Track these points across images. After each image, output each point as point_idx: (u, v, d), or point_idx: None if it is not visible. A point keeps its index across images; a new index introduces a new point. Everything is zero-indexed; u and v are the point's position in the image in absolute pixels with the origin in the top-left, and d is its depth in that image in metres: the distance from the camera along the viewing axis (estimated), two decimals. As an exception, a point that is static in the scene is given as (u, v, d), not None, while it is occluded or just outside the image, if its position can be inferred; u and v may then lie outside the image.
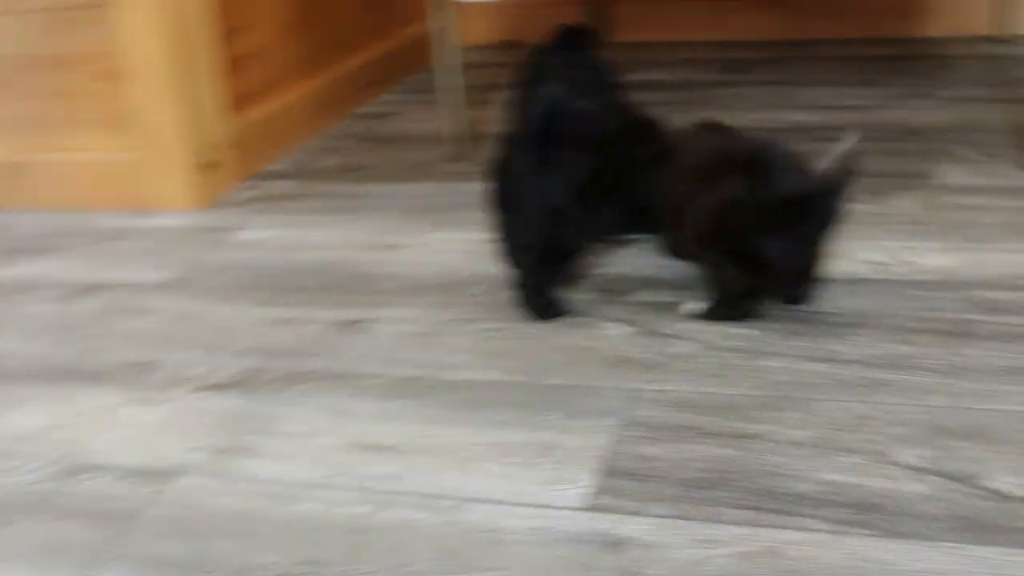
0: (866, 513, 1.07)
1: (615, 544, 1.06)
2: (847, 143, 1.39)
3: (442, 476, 1.19)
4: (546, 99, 1.48)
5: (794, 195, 1.35)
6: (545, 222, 1.46)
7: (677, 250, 1.56)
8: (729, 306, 1.46)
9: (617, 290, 1.58)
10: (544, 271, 1.49)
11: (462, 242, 1.78)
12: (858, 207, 1.74)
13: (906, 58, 2.63)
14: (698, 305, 1.47)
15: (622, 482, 1.15)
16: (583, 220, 1.49)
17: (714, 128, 1.57)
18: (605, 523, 1.09)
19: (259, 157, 2.23)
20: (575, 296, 1.56)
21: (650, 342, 1.43)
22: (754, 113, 2.29)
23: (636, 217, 1.57)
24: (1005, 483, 1.09)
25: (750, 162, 1.39)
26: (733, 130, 1.56)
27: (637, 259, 1.66)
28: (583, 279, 1.61)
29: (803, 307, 1.45)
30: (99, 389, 1.45)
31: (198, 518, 1.16)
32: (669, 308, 1.51)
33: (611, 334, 1.46)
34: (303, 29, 2.41)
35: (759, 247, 1.37)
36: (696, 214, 1.42)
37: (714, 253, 1.43)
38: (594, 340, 1.45)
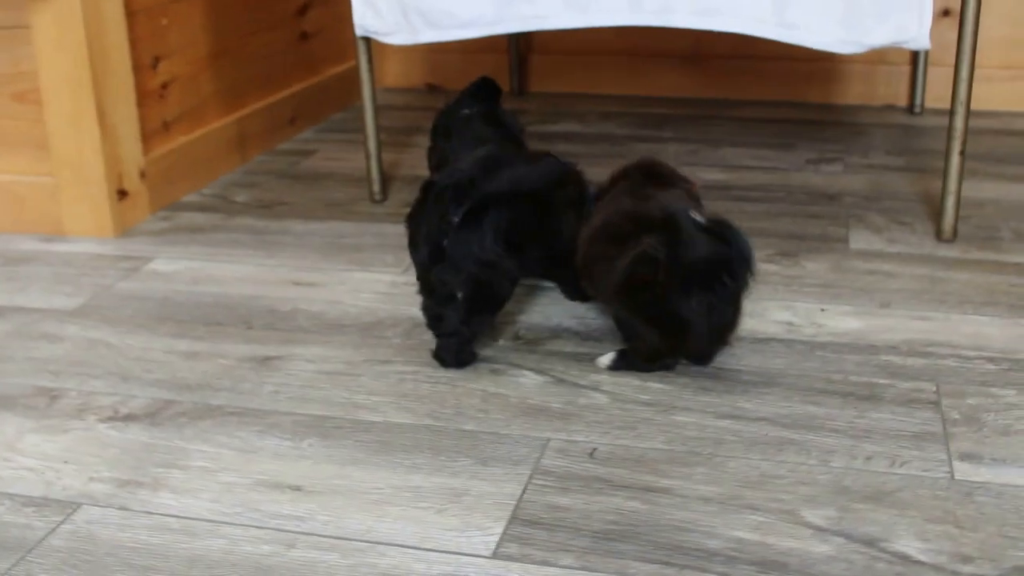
0: (771, 572, 1.08)
1: (522, 593, 1.06)
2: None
3: (351, 518, 1.18)
4: (479, 157, 1.51)
5: (712, 257, 1.37)
6: (474, 273, 1.46)
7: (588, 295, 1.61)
8: (640, 358, 1.47)
9: (530, 339, 1.58)
10: (471, 322, 1.49)
11: (379, 283, 1.78)
12: (770, 268, 1.77)
13: (821, 123, 2.69)
14: (612, 356, 1.48)
15: (531, 531, 1.15)
16: (512, 267, 1.50)
17: (650, 169, 1.58)
18: (513, 572, 1.09)
19: (175, 188, 2.21)
20: (488, 343, 1.57)
21: (561, 391, 1.43)
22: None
23: (555, 263, 1.59)
24: (910, 547, 1.11)
25: (667, 222, 1.40)
26: (664, 171, 1.58)
27: (549, 308, 1.67)
28: (496, 327, 1.61)
29: (707, 367, 1.47)
30: (3, 415, 1.42)
31: (98, 551, 1.14)
32: (580, 359, 1.52)
33: (523, 382, 1.46)
34: (225, 61, 2.40)
35: (674, 308, 1.38)
36: (608, 277, 1.43)
37: (625, 310, 1.45)
38: (506, 387, 1.45)
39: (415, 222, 1.51)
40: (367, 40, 2.10)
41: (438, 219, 1.46)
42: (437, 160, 1.90)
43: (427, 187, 1.50)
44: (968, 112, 1.83)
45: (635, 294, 1.41)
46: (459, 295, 1.47)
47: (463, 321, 1.48)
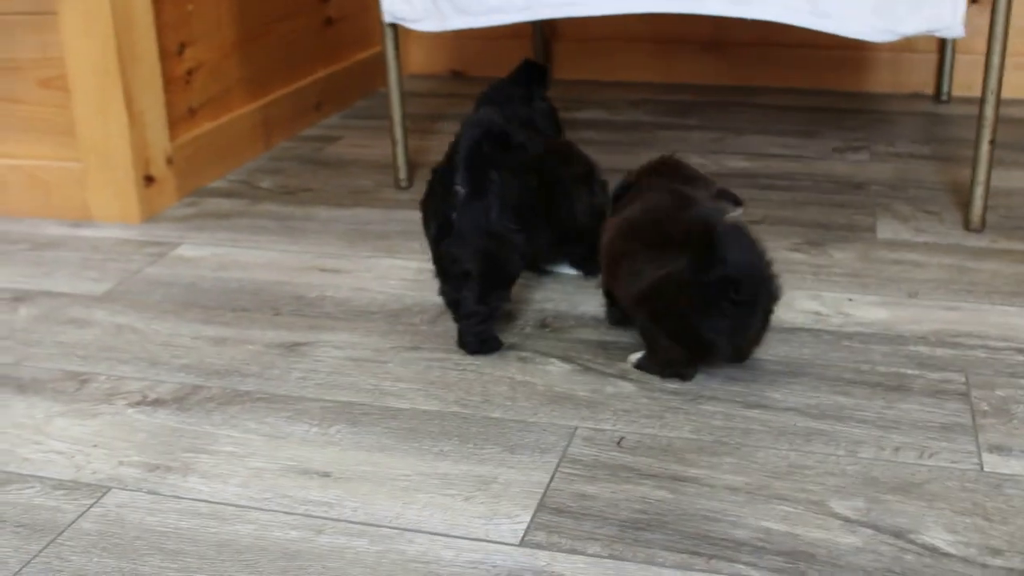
0: (799, 562, 1.08)
1: (551, 581, 1.06)
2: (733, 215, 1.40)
3: (379, 505, 1.19)
4: (479, 123, 1.48)
5: (736, 277, 1.33)
6: (483, 245, 1.46)
7: (611, 303, 1.57)
8: (656, 366, 1.45)
9: (556, 327, 1.58)
10: (486, 299, 1.49)
11: (405, 270, 1.78)
12: (797, 257, 1.76)
13: (846, 111, 2.68)
14: (640, 355, 1.48)
15: (559, 519, 1.15)
16: (520, 242, 1.50)
17: (671, 169, 1.56)
18: (541, 560, 1.09)
19: (200, 174, 2.22)
20: (515, 330, 1.57)
21: (588, 380, 1.43)
22: (696, 158, 2.31)
23: (564, 238, 1.59)
24: (939, 539, 1.11)
25: (696, 237, 1.35)
26: (688, 173, 1.55)
27: (575, 296, 1.67)
28: (523, 314, 1.61)
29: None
30: (33, 399, 1.42)
31: (128, 535, 1.15)
32: (607, 347, 1.52)
33: (550, 370, 1.46)
34: (250, 47, 2.40)
35: (697, 329, 1.36)
36: (634, 282, 1.41)
37: (648, 319, 1.42)
38: (533, 375, 1.45)
39: (426, 203, 1.51)
40: (394, 27, 2.10)
41: (443, 192, 1.46)
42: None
43: (437, 167, 1.50)
44: (999, 100, 1.81)
45: (659, 307, 1.39)
46: (472, 272, 1.47)
47: (479, 299, 1.48)
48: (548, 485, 1.21)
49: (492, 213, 1.46)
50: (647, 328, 1.43)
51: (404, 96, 2.16)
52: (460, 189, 1.45)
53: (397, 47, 2.12)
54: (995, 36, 1.79)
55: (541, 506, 1.18)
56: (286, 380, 1.46)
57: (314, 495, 1.21)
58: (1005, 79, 1.81)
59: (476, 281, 1.48)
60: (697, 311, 1.35)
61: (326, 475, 1.24)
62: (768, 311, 1.39)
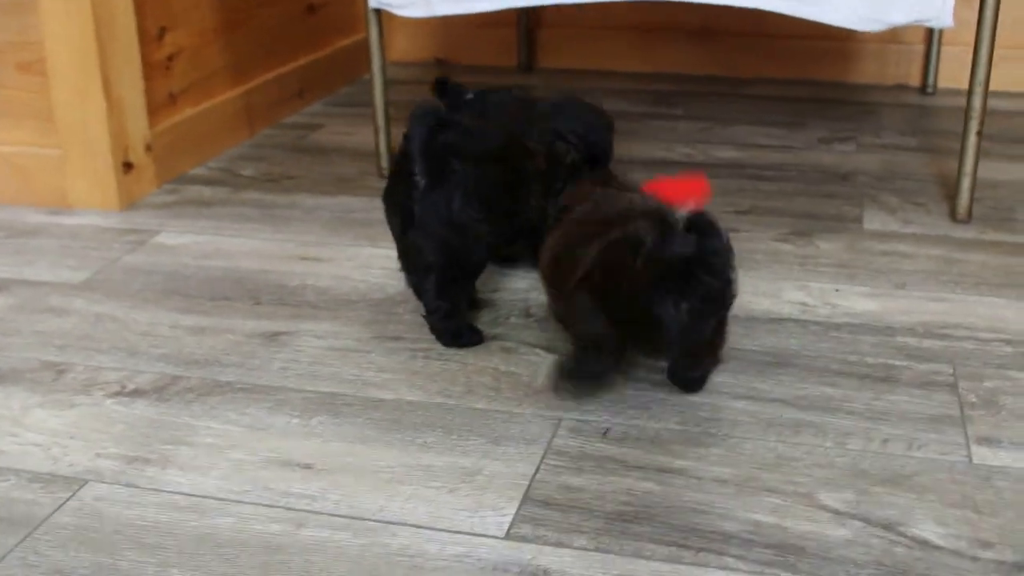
0: (788, 555, 1.06)
1: (536, 575, 1.04)
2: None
3: (362, 497, 1.17)
4: (427, 112, 1.46)
5: (696, 256, 1.21)
6: (443, 236, 1.44)
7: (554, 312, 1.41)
8: (580, 363, 1.32)
9: (541, 316, 1.56)
10: (451, 292, 1.47)
11: (388, 259, 1.75)
12: (784, 247, 1.75)
13: (833, 102, 2.66)
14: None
15: (544, 511, 1.14)
16: (484, 232, 1.46)
17: (604, 179, 1.48)
18: (527, 553, 1.07)
19: (181, 161, 2.19)
20: (499, 320, 1.55)
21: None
22: (684, 148, 2.29)
23: (521, 234, 1.55)
24: (928, 532, 1.09)
25: (654, 211, 1.26)
26: (625, 182, 1.45)
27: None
28: (507, 303, 1.59)
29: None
30: (10, 390, 1.40)
31: (105, 528, 1.13)
32: (595, 337, 1.50)
33: (535, 360, 1.44)
34: (233, 32, 2.37)
35: (648, 306, 1.22)
36: (573, 268, 1.27)
37: (586, 301, 1.26)
38: (518, 366, 1.43)
39: (389, 195, 1.49)
40: (379, 12, 2.07)
41: (404, 184, 1.44)
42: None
43: (397, 161, 1.48)
44: (987, 92, 1.80)
45: (605, 282, 1.24)
46: (433, 264, 1.45)
47: (438, 293, 1.46)
48: (533, 477, 1.19)
49: (453, 203, 1.43)
50: (582, 310, 1.27)
51: (387, 83, 2.14)
52: (420, 180, 1.42)
53: (381, 33, 2.09)
54: (983, 28, 1.78)
55: (526, 498, 1.16)
56: (267, 370, 1.44)
57: (296, 487, 1.19)
58: (992, 71, 1.80)
59: (436, 274, 1.46)
60: (655, 288, 1.21)
61: (308, 467, 1.22)
62: (724, 315, 1.28)
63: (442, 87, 1.72)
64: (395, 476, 1.20)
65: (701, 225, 1.21)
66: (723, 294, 1.25)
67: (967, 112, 1.82)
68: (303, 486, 1.19)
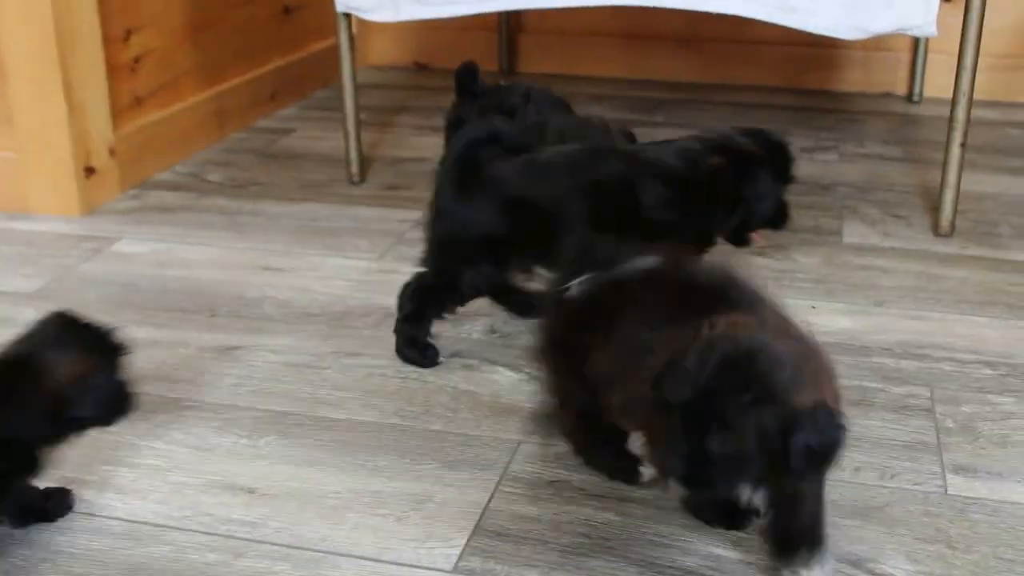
0: (750, 593, 1.01)
1: (483, 613, 0.99)
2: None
3: (305, 525, 1.11)
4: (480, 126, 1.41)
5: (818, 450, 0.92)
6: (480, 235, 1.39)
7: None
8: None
9: (505, 332, 1.51)
10: (427, 307, 1.42)
11: (352, 270, 1.70)
12: (761, 261, 1.70)
13: (816, 110, 2.61)
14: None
15: (496, 543, 1.08)
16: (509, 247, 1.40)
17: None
18: (474, 588, 1.02)
19: (146, 165, 2.13)
20: (461, 335, 1.50)
21: (535, 390, 1.35)
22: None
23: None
24: (898, 569, 1.04)
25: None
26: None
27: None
28: (471, 318, 1.54)
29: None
30: (-57, 406, 1.34)
31: (34, 556, 1.07)
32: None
33: (496, 379, 1.39)
34: (203, 34, 2.31)
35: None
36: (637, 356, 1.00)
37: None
38: (478, 385, 1.38)
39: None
40: (348, 16, 2.02)
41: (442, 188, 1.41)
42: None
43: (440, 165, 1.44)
44: (971, 102, 1.75)
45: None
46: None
47: (418, 304, 1.43)
48: (486, 505, 1.14)
49: (483, 214, 1.38)
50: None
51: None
52: (449, 188, 1.39)
53: (351, 37, 2.04)
54: (968, 37, 1.73)
55: (478, 528, 1.10)
56: (218, 387, 1.38)
57: (237, 514, 1.13)
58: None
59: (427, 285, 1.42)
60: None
61: (251, 491, 1.17)
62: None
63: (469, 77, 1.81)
64: (342, 503, 1.15)
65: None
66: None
67: (950, 123, 1.77)
68: (244, 512, 1.13)
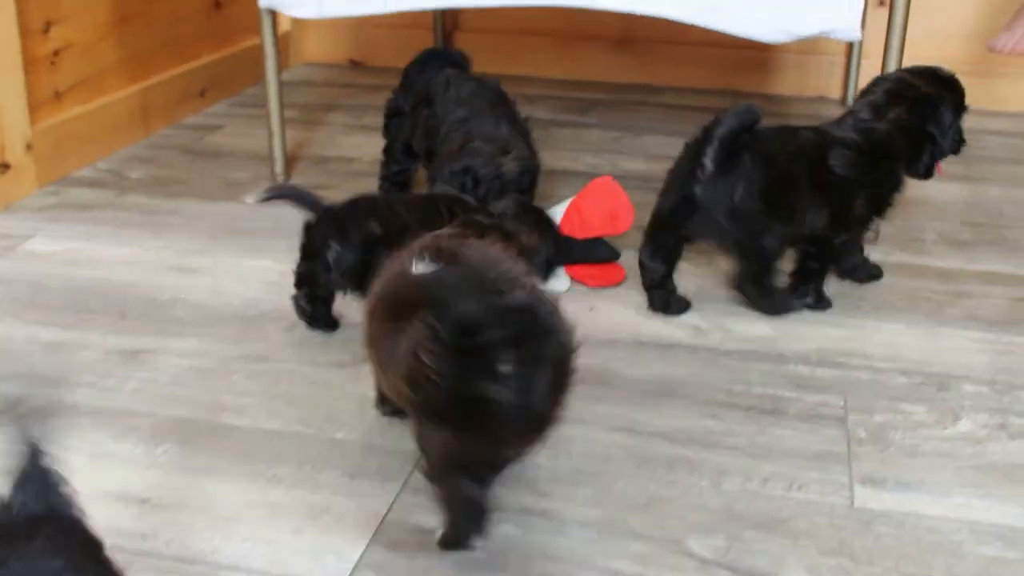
0: (646, 609, 0.99)
1: (371, 629, 0.97)
2: None
3: (197, 536, 1.08)
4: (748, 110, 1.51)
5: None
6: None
7: None
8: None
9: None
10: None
11: (268, 271, 1.67)
12: (684, 267, 1.68)
13: (751, 113, 2.60)
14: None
15: (391, 556, 1.06)
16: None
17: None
18: (364, 604, 1.00)
19: (66, 161, 2.09)
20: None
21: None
22: (591, 158, 2.22)
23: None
24: (795, 585, 1.03)
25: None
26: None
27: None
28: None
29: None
30: None
31: (-87, 569, 1.03)
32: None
33: (407, 386, 1.36)
34: (129, 27, 2.27)
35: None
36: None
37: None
38: (388, 391, 1.35)
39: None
40: (272, 12, 1.99)
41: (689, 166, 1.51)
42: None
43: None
44: (894, 107, 1.74)
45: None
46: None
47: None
48: (385, 517, 1.11)
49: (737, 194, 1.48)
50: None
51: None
52: (708, 164, 1.48)
53: (275, 34, 2.01)
54: (892, 44, 1.73)
55: (375, 541, 1.08)
56: (120, 391, 1.35)
57: (127, 525, 1.10)
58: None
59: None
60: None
61: (144, 502, 1.14)
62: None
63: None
64: (236, 513, 1.12)
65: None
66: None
67: (875, 129, 1.76)
68: (135, 523, 1.10)
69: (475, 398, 0.95)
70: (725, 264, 1.71)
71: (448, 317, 0.94)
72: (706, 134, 1.49)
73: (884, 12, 1.83)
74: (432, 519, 1.10)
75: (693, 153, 1.50)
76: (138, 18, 2.30)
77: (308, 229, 1.47)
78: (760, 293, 1.55)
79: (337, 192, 1.98)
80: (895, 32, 1.71)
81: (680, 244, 1.56)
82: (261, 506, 1.13)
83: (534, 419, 0.99)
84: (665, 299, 1.56)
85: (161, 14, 2.38)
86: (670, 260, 1.56)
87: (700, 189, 1.48)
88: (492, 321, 0.94)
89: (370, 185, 2.02)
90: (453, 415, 0.97)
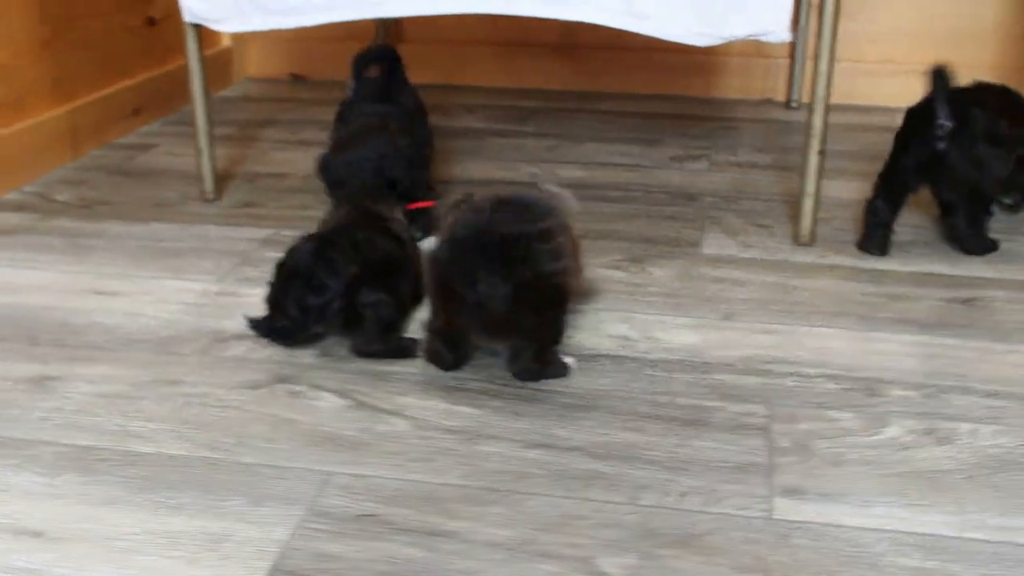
0: (550, 633, 0.96)
1: (263, 664, 0.93)
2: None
3: (91, 570, 1.04)
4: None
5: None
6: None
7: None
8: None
9: (340, 355, 1.44)
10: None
11: (189, 292, 1.63)
12: (615, 275, 1.65)
13: (692, 118, 2.58)
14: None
15: (290, 585, 1.02)
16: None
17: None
18: (257, 637, 0.96)
19: (-10, 184, 2.05)
20: (291, 360, 1.43)
21: (360, 417, 1.30)
22: (527, 167, 2.19)
23: None
24: (700, 605, 0.99)
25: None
26: None
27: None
28: (312, 341, 1.47)
29: (530, 384, 1.35)
30: None
31: None
32: (390, 378, 1.38)
33: (320, 406, 1.32)
34: (56, 46, 2.23)
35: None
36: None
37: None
38: (301, 412, 1.31)
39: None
40: (197, 27, 1.95)
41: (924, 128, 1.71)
42: None
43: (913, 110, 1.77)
44: (828, 109, 1.72)
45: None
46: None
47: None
48: (287, 544, 1.07)
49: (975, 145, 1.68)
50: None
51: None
52: (945, 123, 1.66)
53: (201, 49, 1.97)
54: (823, 45, 1.70)
55: (274, 570, 1.04)
56: (24, 421, 1.30)
57: (19, 560, 1.06)
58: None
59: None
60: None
61: (39, 535, 1.09)
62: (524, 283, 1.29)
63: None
64: (133, 544, 1.08)
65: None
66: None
67: (807, 129, 1.74)
68: (28, 558, 1.06)
69: (452, 291, 1.30)
70: (659, 272, 1.68)
71: (459, 232, 1.30)
72: (930, 100, 1.69)
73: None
74: (335, 546, 1.07)
75: (923, 116, 1.70)
76: (66, 37, 2.26)
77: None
78: (979, 234, 1.76)
79: (265, 210, 1.95)
80: (826, 33, 1.69)
81: (907, 195, 1.77)
82: (160, 536, 1.09)
83: (492, 321, 1.30)
84: (885, 240, 1.76)
85: (90, 34, 2.34)
86: (898, 207, 1.77)
87: (944, 144, 1.68)
88: (481, 241, 1.28)
89: (302, 201, 1.99)
90: (436, 295, 1.35)
